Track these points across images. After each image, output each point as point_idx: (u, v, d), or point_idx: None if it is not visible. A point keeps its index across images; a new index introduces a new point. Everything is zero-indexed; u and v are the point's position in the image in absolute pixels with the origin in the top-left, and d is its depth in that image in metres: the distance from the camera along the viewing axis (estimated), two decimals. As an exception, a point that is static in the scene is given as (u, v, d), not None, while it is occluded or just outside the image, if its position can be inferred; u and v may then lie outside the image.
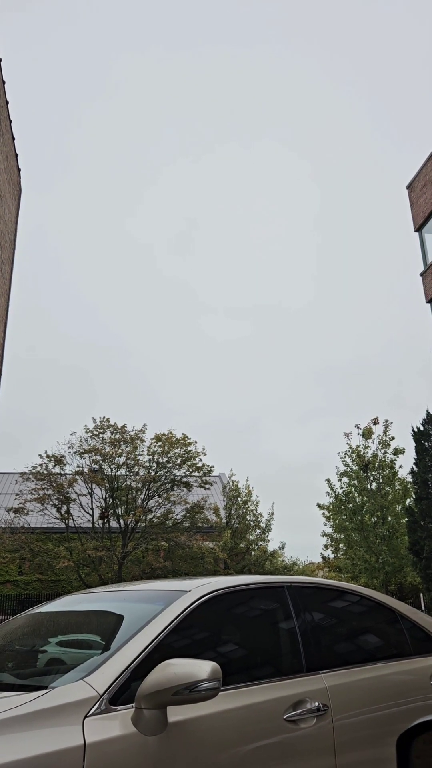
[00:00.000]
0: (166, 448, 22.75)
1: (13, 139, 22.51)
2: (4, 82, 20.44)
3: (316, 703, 2.79)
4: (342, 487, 24.06)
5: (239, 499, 26.29)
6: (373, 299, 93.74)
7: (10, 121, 21.81)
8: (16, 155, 23.33)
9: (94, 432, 22.90)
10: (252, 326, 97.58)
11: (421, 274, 20.57)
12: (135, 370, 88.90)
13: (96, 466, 22.64)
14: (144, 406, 77.82)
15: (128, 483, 22.75)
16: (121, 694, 2.28)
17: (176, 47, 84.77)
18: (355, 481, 23.70)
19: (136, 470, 22.80)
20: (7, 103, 21.09)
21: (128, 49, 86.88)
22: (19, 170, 24.05)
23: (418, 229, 20.87)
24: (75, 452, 22.61)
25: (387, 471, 23.62)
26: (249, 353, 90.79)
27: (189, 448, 22.87)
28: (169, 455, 22.80)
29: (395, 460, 23.73)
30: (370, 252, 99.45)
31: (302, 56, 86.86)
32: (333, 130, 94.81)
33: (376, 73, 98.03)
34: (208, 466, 23.12)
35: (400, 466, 24.04)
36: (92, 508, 22.67)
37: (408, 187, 21.56)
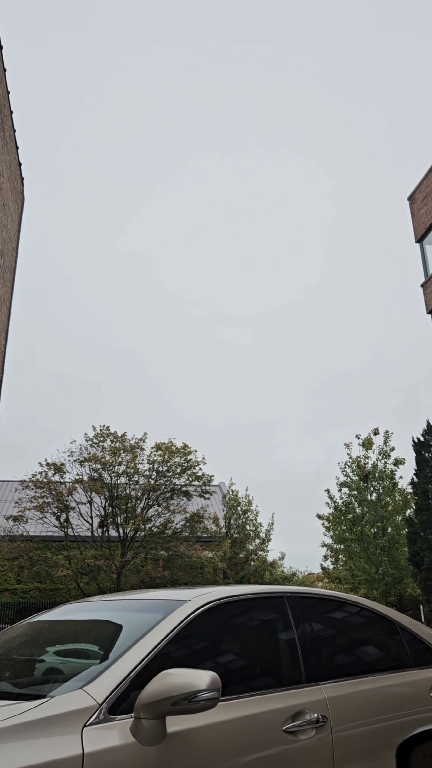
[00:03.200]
0: (166, 456, 22.69)
1: (17, 147, 22.62)
2: (8, 92, 20.57)
3: (316, 715, 2.78)
4: (342, 498, 24.02)
5: (239, 508, 26.23)
6: (381, 309, 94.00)
7: (14, 130, 21.93)
8: (20, 164, 23.46)
9: (94, 440, 22.87)
10: (260, 335, 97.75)
11: (422, 285, 20.61)
12: (145, 379, 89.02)
13: (96, 475, 22.59)
14: (155, 415, 77.74)
15: (128, 492, 22.69)
16: (120, 703, 2.27)
17: (183, 52, 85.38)
18: (355, 492, 23.65)
19: (136, 479, 22.74)
20: (11, 112, 21.22)
21: (134, 51, 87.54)
22: (22, 179, 24.16)
23: (419, 240, 20.95)
24: (75, 460, 22.57)
25: (387, 481, 23.57)
26: (260, 362, 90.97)
27: (189, 457, 22.82)
28: (169, 464, 22.75)
29: (395, 470, 23.70)
30: (374, 262, 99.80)
31: (307, 64, 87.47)
32: (336, 140, 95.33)
33: (379, 83, 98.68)
34: (208, 475, 23.07)
35: (401, 477, 24.04)
36: (91, 517, 22.59)
37: (409, 199, 21.65)
